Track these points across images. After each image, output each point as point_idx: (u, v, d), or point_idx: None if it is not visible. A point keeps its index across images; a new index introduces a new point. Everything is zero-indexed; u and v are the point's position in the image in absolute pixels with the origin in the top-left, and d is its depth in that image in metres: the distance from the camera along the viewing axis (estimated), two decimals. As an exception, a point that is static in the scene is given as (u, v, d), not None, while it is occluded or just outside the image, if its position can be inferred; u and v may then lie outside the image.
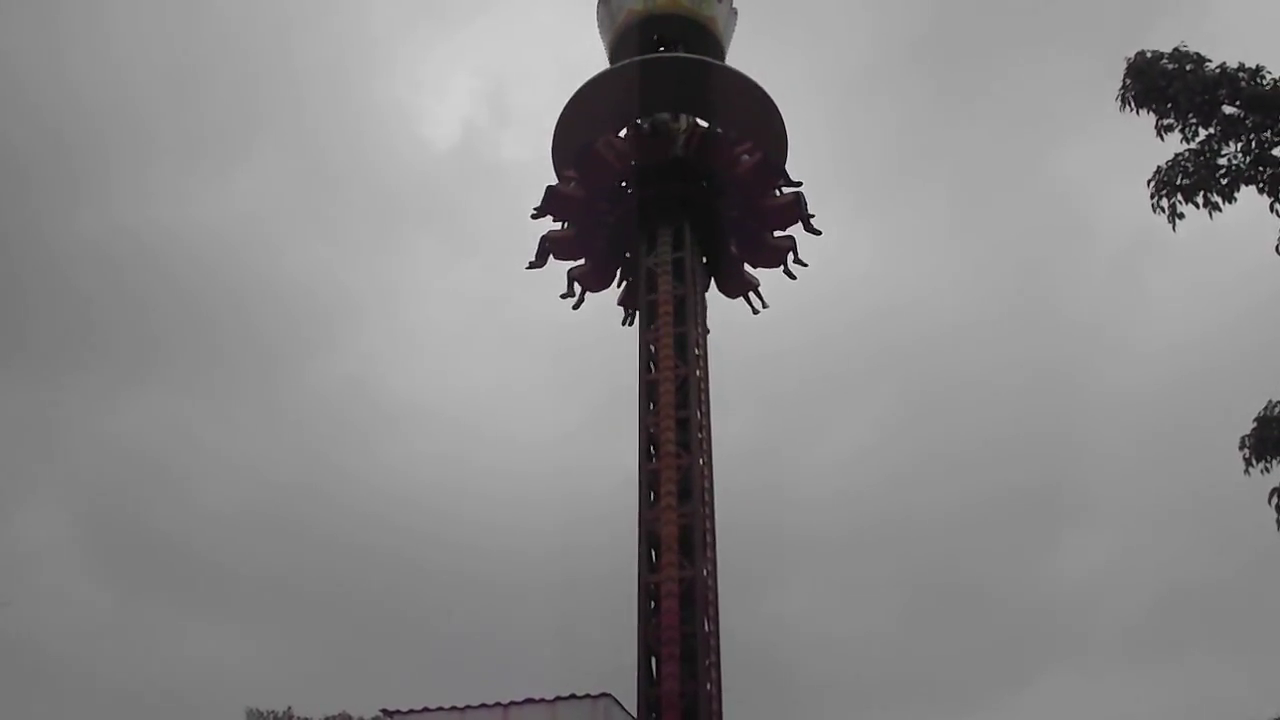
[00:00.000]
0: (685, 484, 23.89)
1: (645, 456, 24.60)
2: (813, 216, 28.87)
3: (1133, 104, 12.17)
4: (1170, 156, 12.00)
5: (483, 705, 15.92)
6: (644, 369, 26.11)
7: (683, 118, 29.03)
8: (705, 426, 25.41)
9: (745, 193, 28.39)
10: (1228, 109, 11.85)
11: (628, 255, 29.04)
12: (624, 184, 28.48)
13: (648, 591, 22.75)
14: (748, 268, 30.01)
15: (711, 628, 22.67)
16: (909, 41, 68.61)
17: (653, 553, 23.24)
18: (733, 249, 29.20)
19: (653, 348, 26.16)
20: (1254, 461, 11.30)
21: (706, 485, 24.51)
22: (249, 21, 74.43)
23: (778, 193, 28.87)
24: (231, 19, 71.83)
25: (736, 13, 32.19)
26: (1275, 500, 10.89)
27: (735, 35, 32.29)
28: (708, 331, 27.52)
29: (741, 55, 32.17)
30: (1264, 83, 11.65)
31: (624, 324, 29.69)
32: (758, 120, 28.91)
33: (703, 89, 28.77)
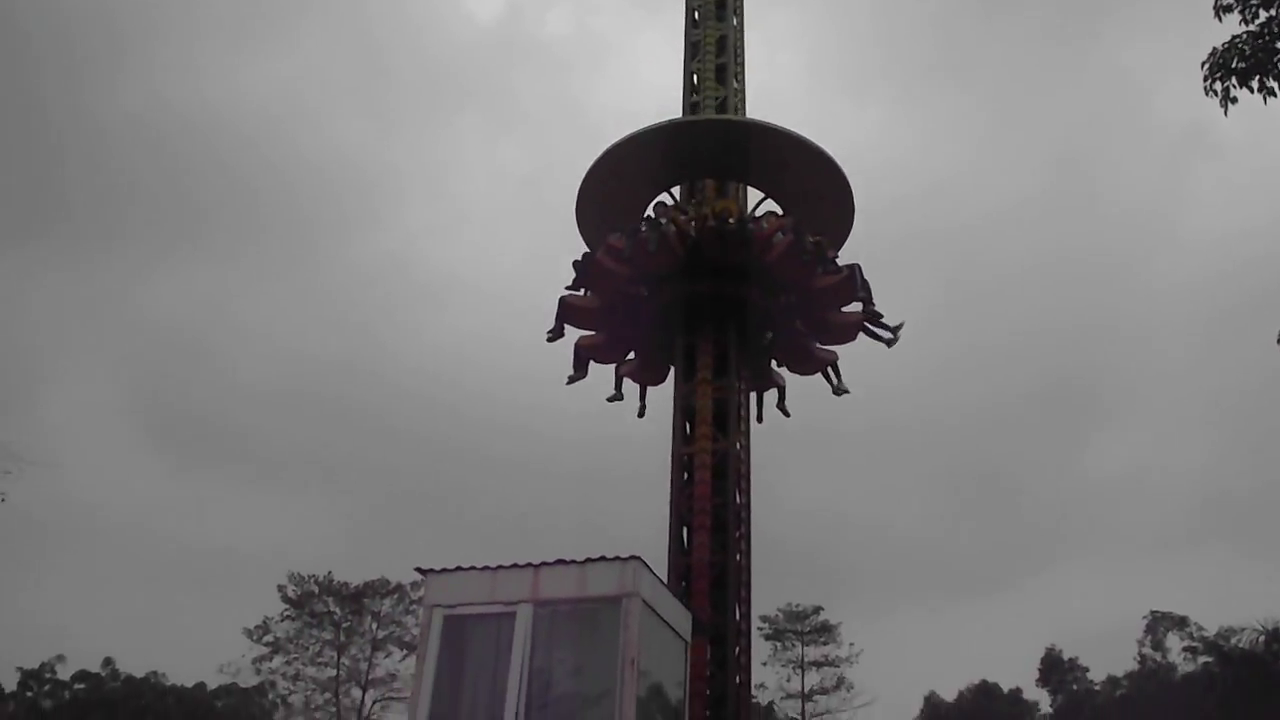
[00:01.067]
0: (721, 359, 23.95)
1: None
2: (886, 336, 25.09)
3: (1192, -19, 11.87)
4: (1227, 39, 11.74)
5: (514, 565, 16.31)
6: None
7: (734, 192, 26.07)
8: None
9: (818, 307, 25.15)
10: (1290, -11, 11.54)
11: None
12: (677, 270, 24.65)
13: (681, 463, 23.07)
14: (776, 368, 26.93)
15: (743, 500, 23.00)
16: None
17: (688, 425, 23.50)
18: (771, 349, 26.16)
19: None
20: (1291, 357, 11.29)
21: (742, 390, 24.38)
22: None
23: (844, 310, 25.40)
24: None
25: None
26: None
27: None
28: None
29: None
30: (1330, -37, 11.32)
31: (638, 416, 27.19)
32: (818, 187, 25.47)
33: (758, 156, 25.42)
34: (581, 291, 25.31)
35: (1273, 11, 11.62)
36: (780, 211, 25.83)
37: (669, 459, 23.33)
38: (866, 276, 24.77)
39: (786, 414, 26.74)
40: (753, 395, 26.22)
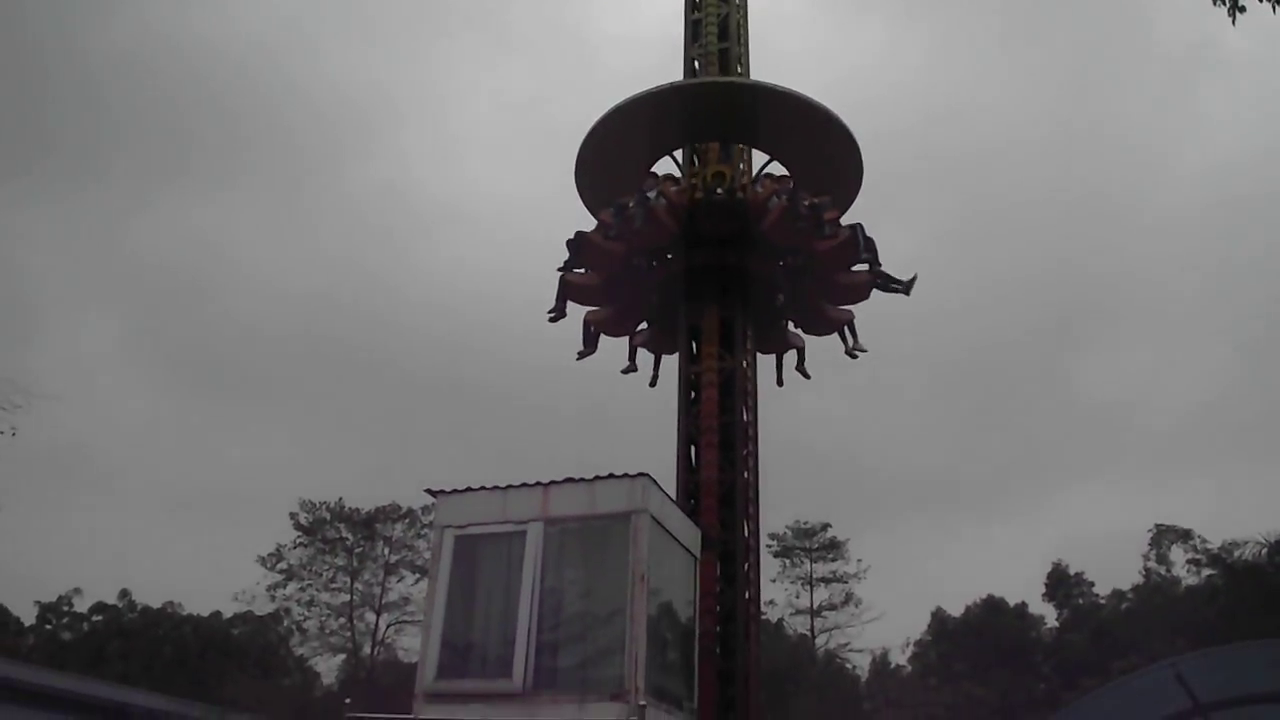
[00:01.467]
0: (728, 333, 23.68)
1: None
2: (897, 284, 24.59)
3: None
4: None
5: (524, 484, 16.39)
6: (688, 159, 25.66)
7: (738, 150, 25.37)
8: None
9: (821, 269, 24.48)
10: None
11: (654, 300, 25.52)
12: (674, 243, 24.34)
13: (688, 382, 23.07)
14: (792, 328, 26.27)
15: (750, 418, 23.03)
16: None
17: (694, 344, 23.47)
18: (785, 311, 25.70)
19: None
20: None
21: (750, 362, 24.13)
22: None
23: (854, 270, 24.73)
24: None
25: None
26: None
27: None
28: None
29: None
30: None
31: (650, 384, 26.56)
32: (824, 149, 24.71)
33: (765, 120, 24.57)
34: (581, 270, 24.85)
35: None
36: (785, 173, 25.21)
37: (676, 381, 23.32)
38: (870, 235, 24.17)
39: (806, 375, 26.27)
40: (772, 358, 26.11)
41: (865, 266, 24.44)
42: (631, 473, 15.99)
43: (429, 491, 17.41)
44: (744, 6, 28.25)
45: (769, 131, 25.06)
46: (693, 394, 22.90)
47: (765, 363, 25.44)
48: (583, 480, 16.25)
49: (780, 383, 26.22)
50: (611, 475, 16.09)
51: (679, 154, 26.04)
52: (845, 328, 25.34)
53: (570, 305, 24.97)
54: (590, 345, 25.52)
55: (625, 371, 26.12)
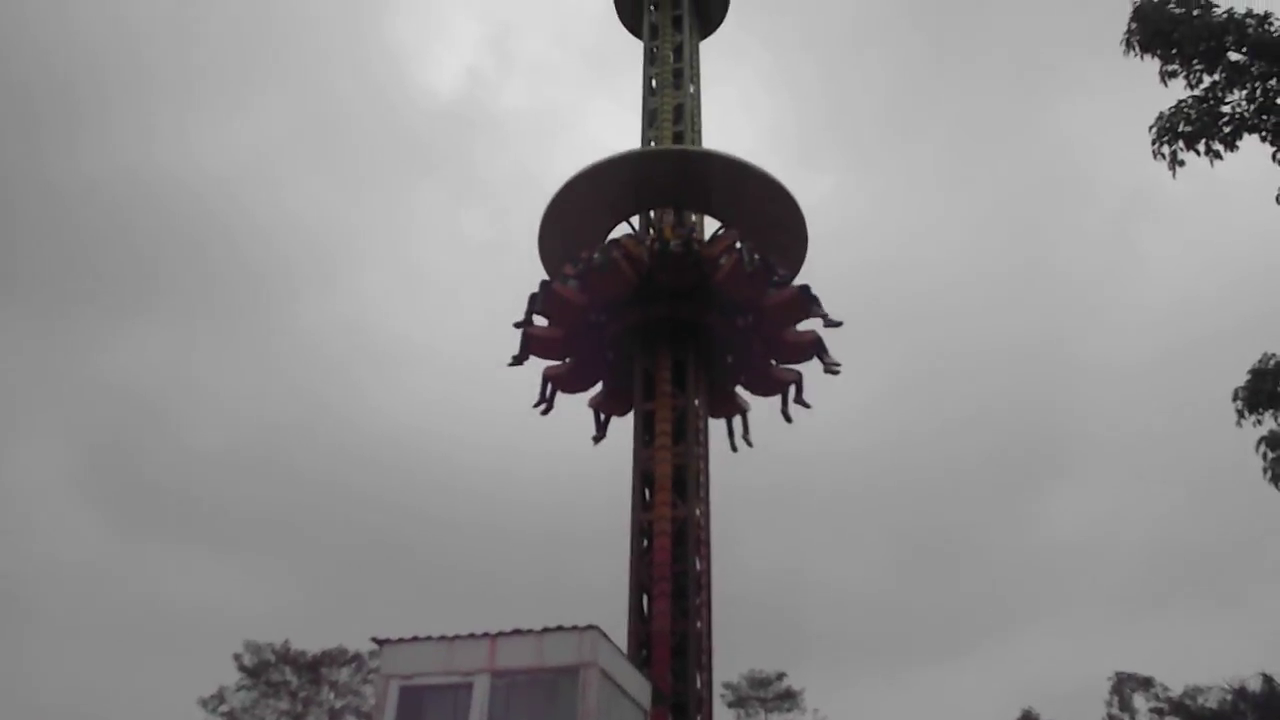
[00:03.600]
0: (680, 425, 23.89)
1: (641, 397, 24.57)
2: (827, 361, 25.61)
3: (1137, 48, 12.01)
4: (1173, 104, 11.85)
5: (471, 635, 16.03)
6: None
7: (690, 217, 26.65)
8: (701, 369, 25.27)
9: (771, 324, 25.52)
10: (1233, 56, 11.68)
11: (610, 357, 26.47)
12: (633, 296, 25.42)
13: (641, 529, 22.87)
14: (741, 392, 27.25)
15: (704, 566, 22.80)
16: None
17: (646, 491, 23.34)
18: (733, 372, 26.61)
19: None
20: (1246, 414, 11.29)
21: (701, 427, 24.46)
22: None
23: (798, 329, 25.78)
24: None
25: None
26: (1263, 449, 10.88)
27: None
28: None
29: (740, 2, 31.74)
30: (1272, 30, 11.48)
31: (594, 440, 27.12)
32: (771, 213, 26.17)
33: (715, 187, 26.05)
34: (544, 322, 25.70)
35: (1215, 77, 11.76)
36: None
37: (628, 523, 23.13)
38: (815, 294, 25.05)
39: (749, 443, 26.87)
40: (724, 421, 26.86)
41: (814, 323, 25.25)
42: (581, 625, 15.71)
43: (375, 640, 17.03)
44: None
45: (719, 198, 26.23)
46: (645, 541, 22.71)
47: (716, 504, 25.23)
48: (531, 632, 15.96)
49: (734, 448, 26.74)
50: (560, 627, 15.81)
51: (636, 222, 26.98)
52: (792, 386, 26.32)
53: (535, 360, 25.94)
54: (547, 401, 26.30)
55: (596, 441, 26.61)
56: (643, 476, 23.43)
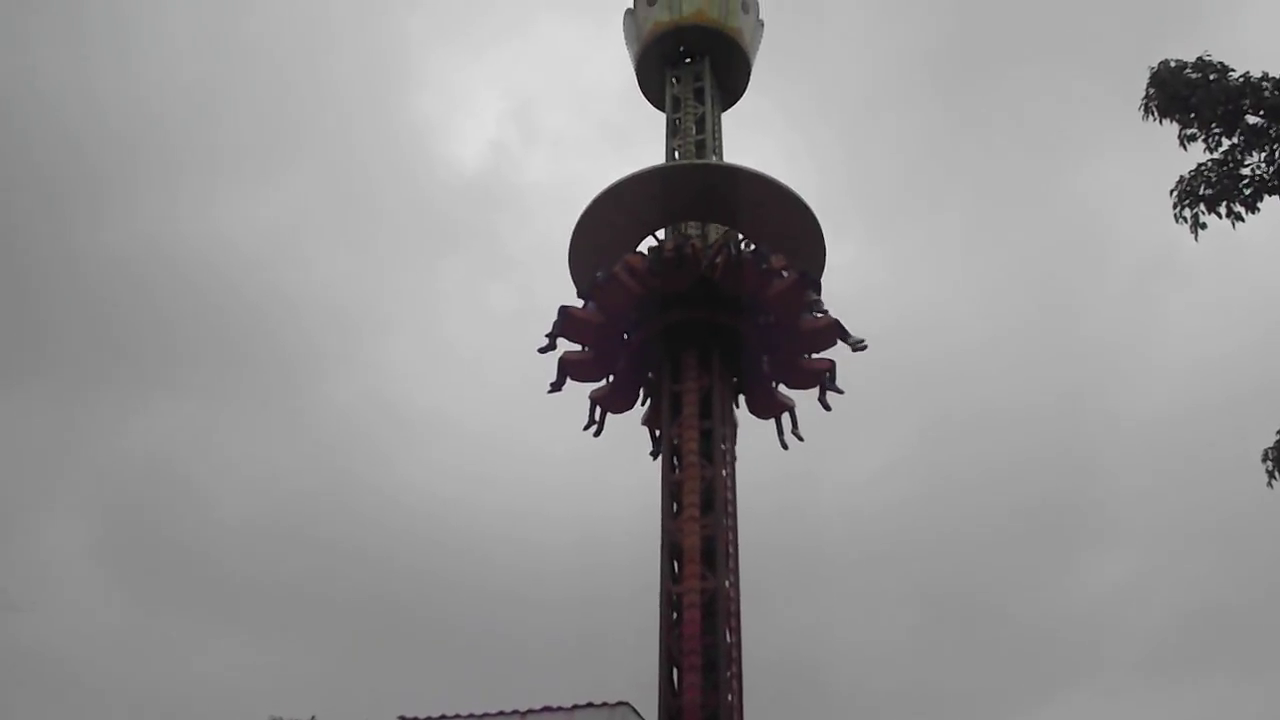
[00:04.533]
0: (708, 495, 23.86)
1: (669, 467, 24.58)
2: (851, 341, 26.43)
3: (1155, 113, 12.10)
4: (1193, 167, 11.93)
5: (500, 713, 16.00)
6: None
7: (711, 228, 27.48)
8: (729, 439, 25.35)
9: (779, 314, 26.23)
10: (1251, 119, 11.77)
11: (650, 375, 27.30)
12: (645, 306, 26.42)
13: (670, 602, 22.74)
14: (782, 389, 27.77)
15: (733, 639, 22.63)
16: (923, 58, 68.18)
17: (675, 563, 23.25)
18: (765, 368, 27.12)
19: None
20: (1276, 474, 11.17)
21: (729, 497, 24.42)
22: (278, 36, 74.98)
23: (816, 314, 26.43)
24: (261, 34, 72.39)
25: (763, 24, 32.13)
26: (1294, 511, 10.77)
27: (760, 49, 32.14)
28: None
29: (760, 72, 32.17)
30: (1288, 93, 11.56)
31: (651, 455, 27.42)
32: (791, 227, 26.90)
33: (731, 197, 26.97)
34: (572, 346, 26.65)
35: (1234, 140, 11.84)
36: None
37: (656, 591, 23.02)
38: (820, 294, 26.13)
39: (800, 438, 27.35)
40: (772, 422, 27.23)
41: (820, 313, 26.13)
42: (611, 701, 15.61)
43: (402, 719, 16.93)
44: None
45: (742, 211, 27.04)
46: (675, 614, 22.56)
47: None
48: (560, 709, 15.90)
49: (785, 446, 27.27)
50: (590, 704, 15.77)
51: (662, 235, 27.61)
52: (787, 414, 27.08)
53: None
54: (597, 424, 27.14)
55: (586, 427, 27.17)
56: (671, 549, 23.35)
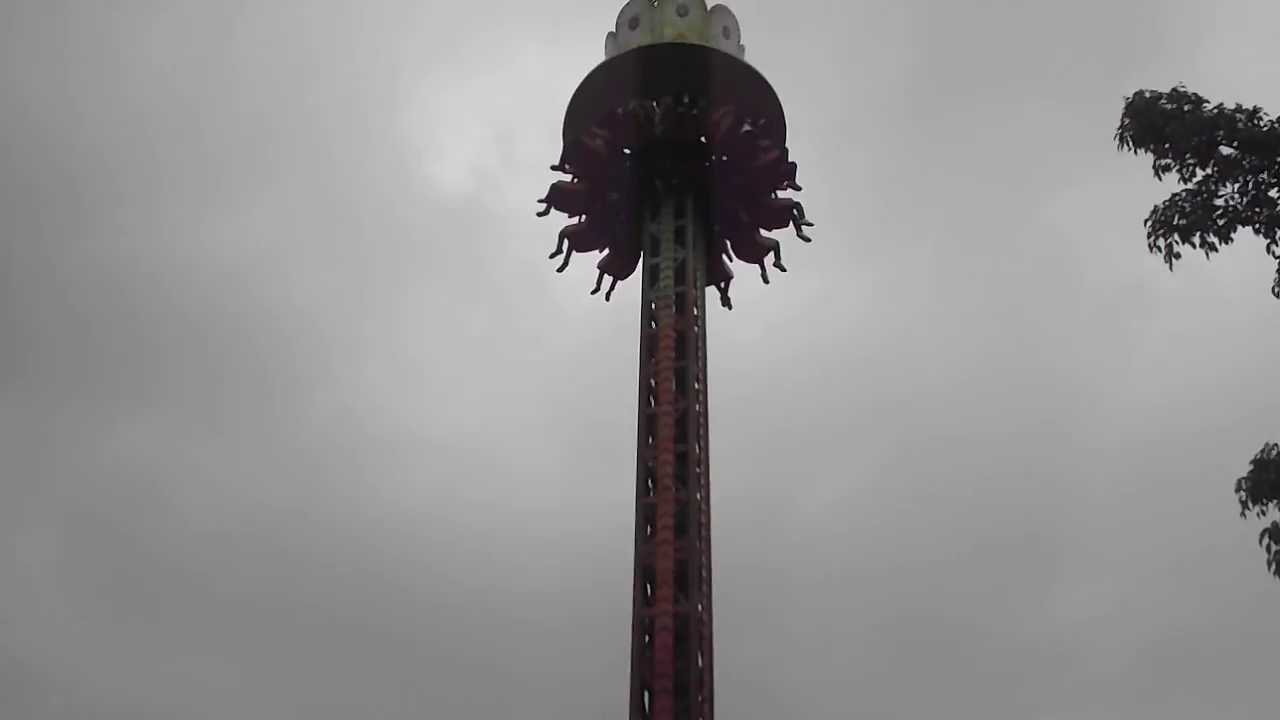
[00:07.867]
0: (682, 519, 23.78)
1: (642, 490, 24.51)
2: (805, 224, 29.72)
3: (1131, 144, 12.23)
4: (1167, 197, 12.04)
5: (470, 735, 15.79)
6: (643, 402, 25.95)
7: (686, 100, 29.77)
8: (703, 462, 25.31)
9: (757, 187, 29.36)
10: (1225, 150, 11.88)
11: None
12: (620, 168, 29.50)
13: (642, 626, 22.64)
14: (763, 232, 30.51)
15: (705, 663, 22.54)
16: (891, 90, 68.47)
17: (648, 587, 23.14)
18: (742, 217, 29.80)
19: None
20: (1250, 505, 11.19)
21: (703, 521, 24.36)
22: (262, 56, 74.89)
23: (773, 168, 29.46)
24: (245, 53, 72.33)
25: (744, 49, 32.34)
26: (1266, 541, 10.80)
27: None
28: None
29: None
30: (1261, 124, 11.70)
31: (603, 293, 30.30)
32: (756, 102, 29.83)
33: (702, 73, 29.49)
34: (570, 177, 29.53)
35: (1208, 171, 11.95)
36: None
37: (629, 612, 22.93)
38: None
39: (729, 305, 30.52)
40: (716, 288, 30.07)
41: (790, 194, 29.31)
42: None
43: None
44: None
45: (714, 88, 29.25)
46: (646, 638, 22.45)
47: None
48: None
49: (766, 280, 30.20)
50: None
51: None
52: (771, 252, 29.96)
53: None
54: (564, 258, 29.74)
55: (594, 291, 29.99)
56: (644, 571, 23.26)
